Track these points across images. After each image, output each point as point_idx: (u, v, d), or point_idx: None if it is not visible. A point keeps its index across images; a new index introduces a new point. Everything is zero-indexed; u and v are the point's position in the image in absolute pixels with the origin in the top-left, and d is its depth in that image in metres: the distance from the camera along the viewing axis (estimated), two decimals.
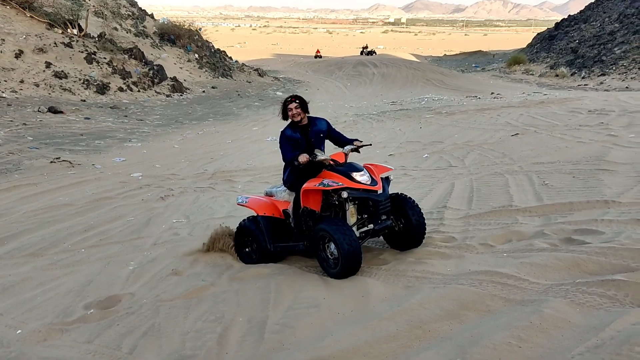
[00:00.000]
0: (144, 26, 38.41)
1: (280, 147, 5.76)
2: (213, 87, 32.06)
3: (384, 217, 5.43)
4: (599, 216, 5.72)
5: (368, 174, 5.43)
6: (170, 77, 29.73)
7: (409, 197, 5.74)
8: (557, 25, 55.66)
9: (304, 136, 5.81)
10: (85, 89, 24.19)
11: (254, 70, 40.37)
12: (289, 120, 5.85)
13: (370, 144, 6.25)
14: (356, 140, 5.92)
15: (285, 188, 6.08)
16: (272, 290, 5.08)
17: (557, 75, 42.23)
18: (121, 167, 13.34)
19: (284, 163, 5.99)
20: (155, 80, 28.37)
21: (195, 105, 26.50)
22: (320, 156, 5.55)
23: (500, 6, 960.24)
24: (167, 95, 27.64)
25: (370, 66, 41.79)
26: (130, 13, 38.93)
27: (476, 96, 28.29)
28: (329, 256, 5.32)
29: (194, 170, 13.04)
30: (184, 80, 31.23)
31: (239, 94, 31.30)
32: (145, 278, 6.14)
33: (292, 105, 5.72)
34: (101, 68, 26.09)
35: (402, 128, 16.92)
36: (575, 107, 16.54)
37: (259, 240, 6.06)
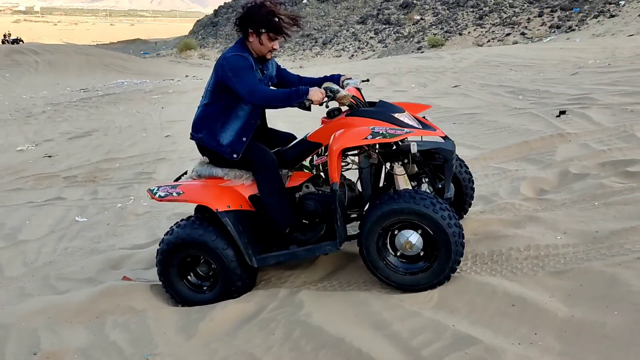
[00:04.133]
0: None
1: (239, 75, 3.24)
2: None
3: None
4: (579, 151, 5.02)
5: (410, 115, 3.42)
6: None
7: None
8: (217, 12, 57.18)
9: (262, 79, 3.52)
10: None
11: None
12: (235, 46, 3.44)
13: (368, 80, 4.12)
14: (341, 75, 3.78)
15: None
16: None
17: None
18: None
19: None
20: None
21: None
22: (341, 91, 3.26)
23: None
24: None
25: (30, 54, 34.85)
26: None
27: (172, 79, 26.43)
28: (394, 255, 3.17)
29: None
30: None
31: None
32: None
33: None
34: None
35: (141, 110, 14.06)
36: None
37: (221, 256, 3.35)
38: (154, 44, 61.99)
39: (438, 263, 3.05)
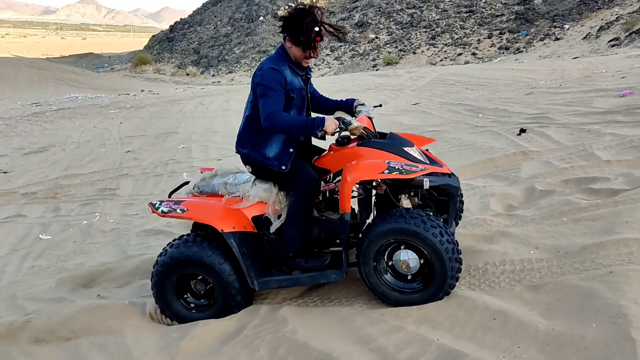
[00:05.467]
0: None
1: (265, 95, 3.18)
2: None
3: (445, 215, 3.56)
4: (542, 168, 5.21)
5: (418, 150, 3.47)
6: None
7: None
8: (172, 28, 56.61)
9: (304, 86, 3.45)
10: None
11: None
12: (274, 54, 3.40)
13: (381, 105, 4.13)
14: (354, 100, 3.78)
15: (253, 180, 3.48)
16: None
17: (188, 74, 42.86)
18: None
19: (246, 123, 3.45)
20: None
21: None
22: (353, 122, 3.26)
23: (94, 10, 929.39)
24: None
25: None
26: None
27: (128, 93, 25.99)
28: (389, 274, 3.22)
29: None
30: None
31: None
32: None
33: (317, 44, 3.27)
34: None
35: (99, 125, 13.77)
36: None
37: (221, 275, 3.33)
38: (107, 58, 60.93)
39: (436, 280, 3.11)
